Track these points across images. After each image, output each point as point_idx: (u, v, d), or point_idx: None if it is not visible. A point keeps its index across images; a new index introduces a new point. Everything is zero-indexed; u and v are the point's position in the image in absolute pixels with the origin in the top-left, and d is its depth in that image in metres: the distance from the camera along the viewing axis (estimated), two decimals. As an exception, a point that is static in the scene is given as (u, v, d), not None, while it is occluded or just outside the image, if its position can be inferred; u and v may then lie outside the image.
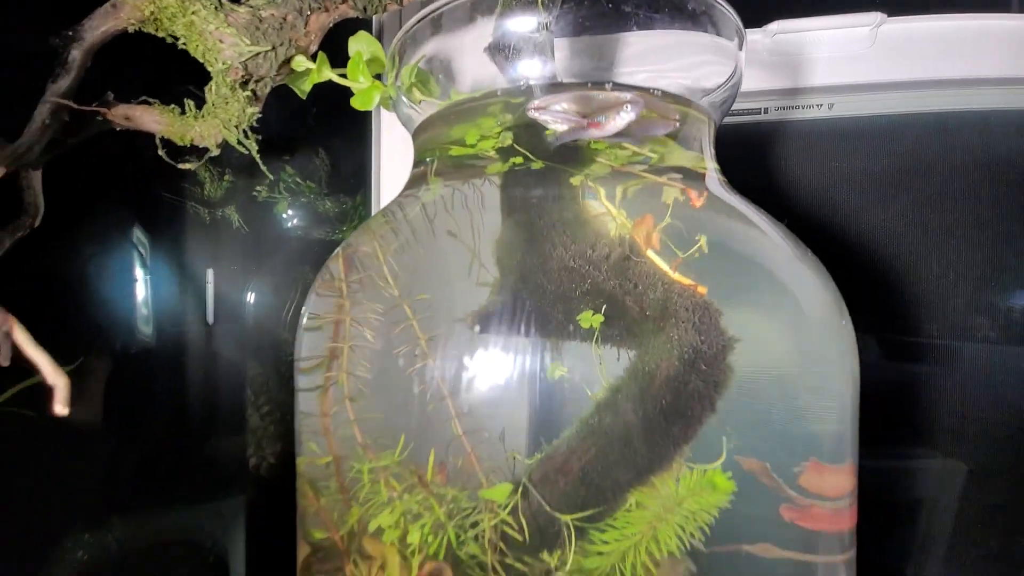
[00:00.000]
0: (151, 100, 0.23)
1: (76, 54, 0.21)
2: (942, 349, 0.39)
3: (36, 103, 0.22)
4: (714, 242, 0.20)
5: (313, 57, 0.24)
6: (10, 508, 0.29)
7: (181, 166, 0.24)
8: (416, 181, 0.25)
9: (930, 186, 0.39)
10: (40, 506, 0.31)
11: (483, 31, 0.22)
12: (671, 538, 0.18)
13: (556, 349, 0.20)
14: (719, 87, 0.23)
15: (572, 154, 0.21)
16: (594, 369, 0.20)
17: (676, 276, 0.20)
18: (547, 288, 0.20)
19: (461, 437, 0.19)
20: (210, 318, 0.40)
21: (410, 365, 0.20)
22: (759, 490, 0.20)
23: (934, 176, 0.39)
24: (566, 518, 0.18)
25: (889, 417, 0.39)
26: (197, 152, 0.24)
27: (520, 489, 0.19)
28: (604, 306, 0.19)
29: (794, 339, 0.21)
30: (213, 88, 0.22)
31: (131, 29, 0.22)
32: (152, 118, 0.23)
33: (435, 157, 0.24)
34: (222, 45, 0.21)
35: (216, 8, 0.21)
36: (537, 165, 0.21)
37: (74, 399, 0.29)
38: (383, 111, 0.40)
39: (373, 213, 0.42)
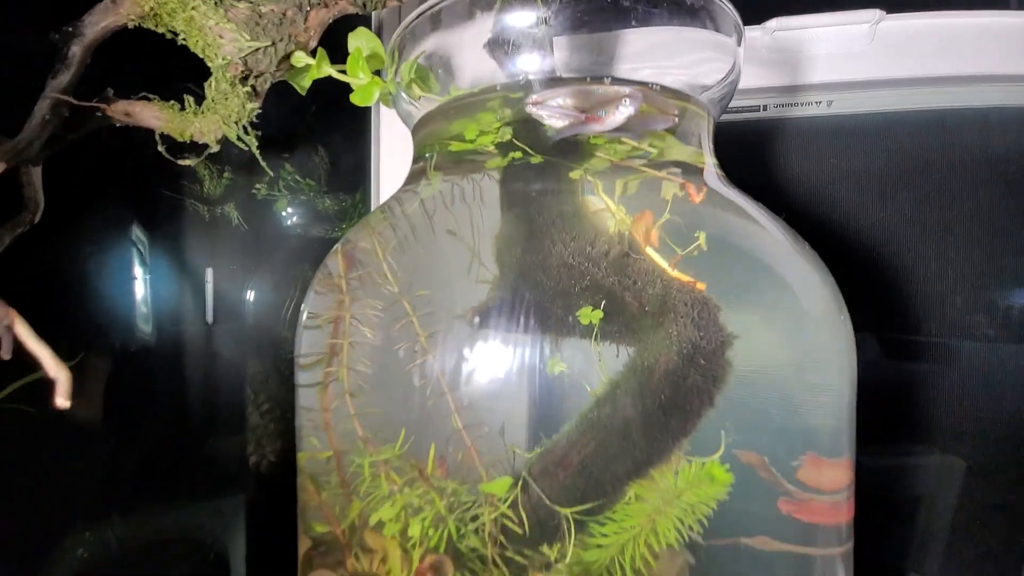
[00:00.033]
0: (151, 96, 0.24)
1: (76, 50, 0.21)
2: (940, 347, 0.39)
3: (35, 100, 0.22)
4: (713, 237, 0.20)
5: (313, 53, 0.24)
6: (11, 505, 0.30)
7: (181, 162, 0.24)
8: (415, 176, 0.25)
9: (929, 183, 0.39)
10: (41, 503, 0.31)
11: (482, 27, 0.22)
12: (670, 531, 0.18)
13: (555, 345, 0.20)
14: (718, 83, 0.23)
15: (571, 149, 0.21)
16: (593, 364, 0.20)
17: (675, 273, 0.20)
18: (546, 284, 0.20)
19: (461, 431, 0.19)
20: (209, 317, 0.40)
21: (410, 360, 0.20)
22: (757, 484, 0.20)
23: (933, 173, 0.39)
24: (566, 511, 0.19)
25: (888, 415, 0.39)
26: (196, 149, 0.24)
27: (520, 483, 0.19)
28: (603, 302, 0.19)
29: (793, 334, 0.21)
30: (213, 84, 0.22)
31: (131, 25, 0.22)
32: (152, 114, 0.23)
33: (434, 152, 0.24)
34: (222, 41, 0.21)
35: (216, 4, 0.21)
36: (536, 159, 0.21)
37: (74, 395, 0.29)
38: (382, 109, 0.40)
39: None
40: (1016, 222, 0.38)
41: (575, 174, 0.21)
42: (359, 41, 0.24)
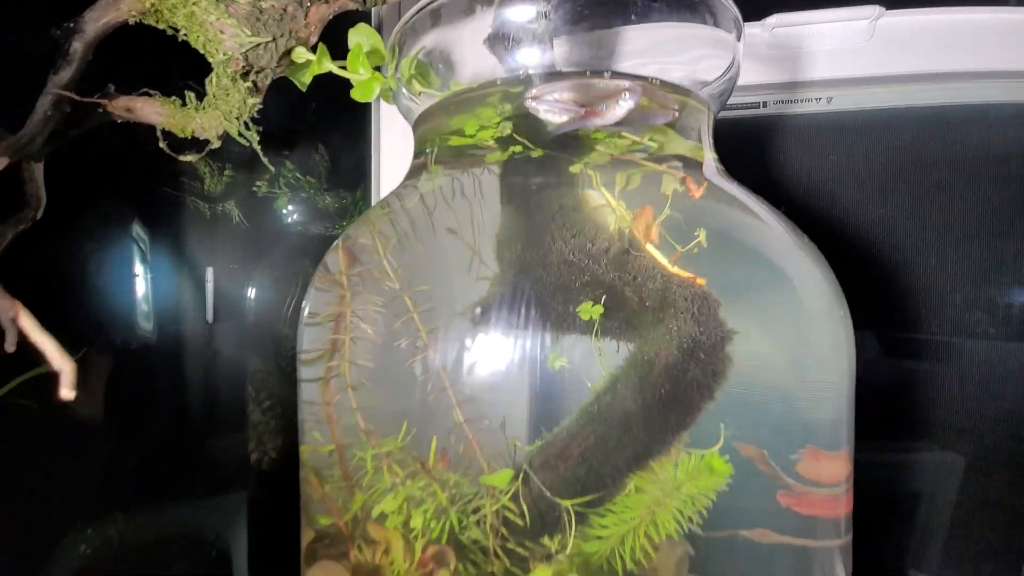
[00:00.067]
0: (152, 92, 0.24)
1: (77, 46, 0.21)
2: (940, 344, 0.39)
3: (36, 97, 0.22)
4: (713, 231, 0.20)
5: (313, 49, 0.24)
6: (13, 501, 0.30)
7: (182, 158, 0.25)
8: (415, 171, 0.25)
9: (929, 180, 0.39)
10: (43, 499, 0.31)
11: (482, 22, 0.23)
12: (669, 522, 0.18)
13: (556, 340, 0.20)
14: (717, 79, 0.24)
15: (571, 143, 0.21)
16: (594, 359, 0.20)
17: (675, 269, 0.20)
18: (547, 280, 0.20)
19: (463, 424, 0.19)
20: (210, 317, 0.40)
21: (411, 355, 0.20)
22: (757, 477, 0.20)
23: (933, 170, 0.39)
24: (566, 503, 0.19)
25: (887, 412, 0.39)
26: (197, 145, 0.24)
27: (521, 475, 0.19)
28: (604, 297, 0.19)
29: (793, 327, 0.21)
30: (214, 79, 0.22)
31: (132, 21, 0.22)
32: (153, 110, 0.23)
33: (435, 147, 0.24)
34: (223, 36, 0.21)
35: None
36: (536, 153, 0.21)
37: (78, 389, 0.29)
38: (383, 106, 0.40)
39: (373, 207, 0.42)
40: (1016, 219, 0.38)
41: (575, 168, 0.21)
42: (359, 37, 0.24)
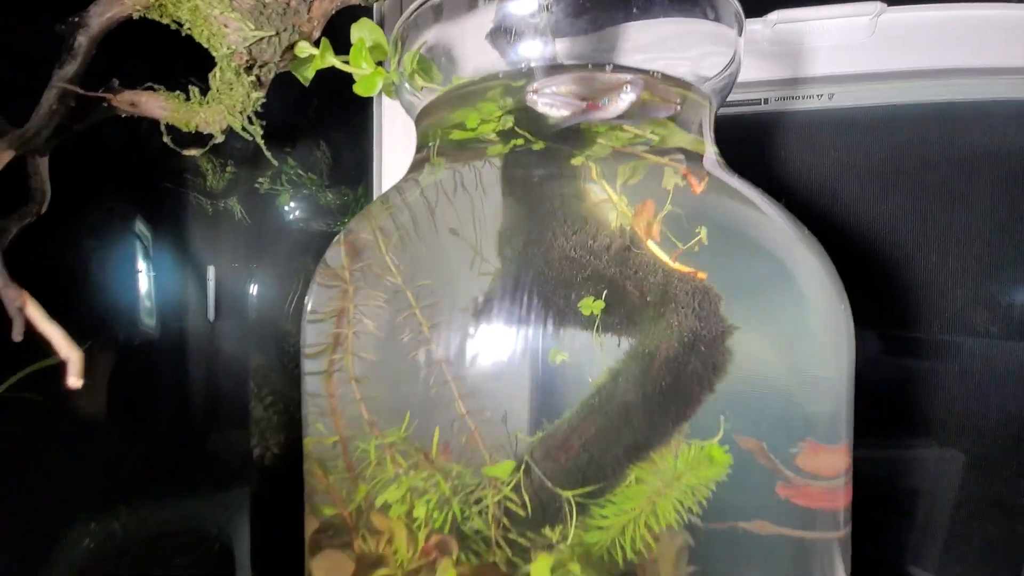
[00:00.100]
0: (156, 87, 0.24)
1: (82, 40, 0.22)
2: (941, 342, 0.39)
3: (40, 93, 0.22)
4: (713, 223, 0.20)
5: (316, 43, 0.24)
6: (17, 495, 0.30)
7: (186, 152, 0.25)
8: (417, 165, 0.25)
9: (931, 177, 0.39)
10: (47, 493, 0.32)
11: (484, 17, 0.23)
12: (670, 512, 0.18)
13: (557, 335, 0.20)
14: (718, 73, 0.24)
15: (573, 135, 0.21)
16: (595, 354, 0.20)
17: (676, 265, 0.20)
18: (548, 274, 0.20)
19: (465, 416, 0.19)
20: (211, 315, 0.40)
21: (414, 348, 0.20)
22: (756, 470, 0.20)
23: (935, 167, 0.39)
24: (567, 494, 0.19)
25: (887, 410, 0.39)
26: (200, 141, 0.24)
27: (523, 466, 0.19)
28: (605, 291, 0.19)
29: (793, 320, 0.21)
30: (218, 74, 0.22)
31: (135, 15, 0.22)
32: (157, 104, 0.23)
33: (436, 141, 0.24)
34: (227, 30, 0.21)
35: (220, -6, 0.21)
36: (538, 146, 0.21)
37: (85, 379, 0.29)
38: (384, 103, 0.40)
39: (375, 204, 0.42)
40: (1018, 216, 0.38)
41: (577, 160, 0.21)
42: (362, 32, 0.24)
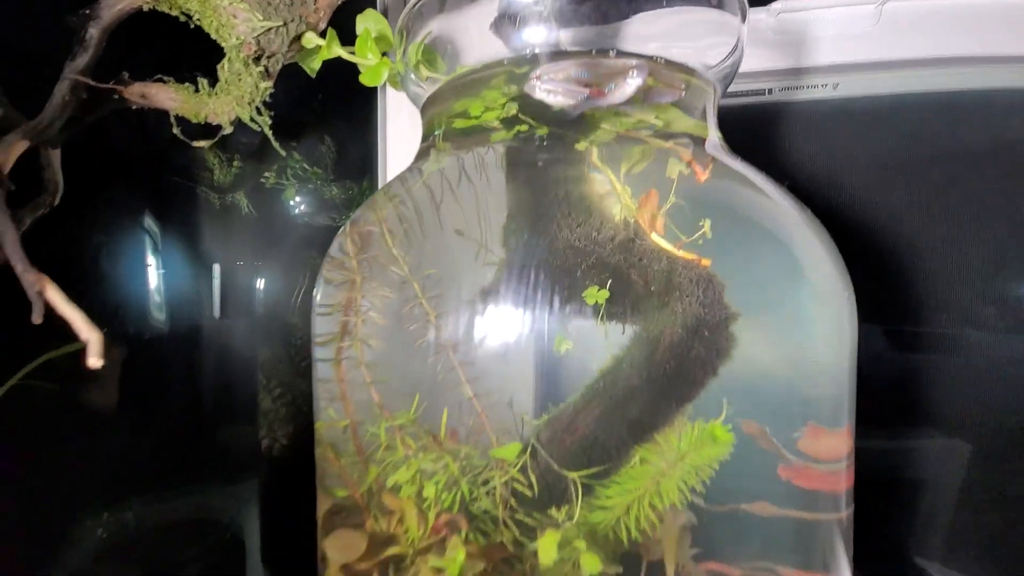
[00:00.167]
0: (166, 79, 0.24)
1: (94, 32, 0.22)
2: (948, 335, 0.39)
3: (50, 87, 0.23)
4: (718, 205, 0.20)
5: (323, 34, 0.24)
6: (31, 483, 0.30)
7: (195, 144, 0.25)
8: (422, 154, 0.25)
9: (937, 166, 0.39)
10: (60, 483, 0.32)
11: (488, 7, 0.23)
12: (673, 491, 0.19)
13: (562, 322, 0.20)
14: (722, 60, 0.24)
15: (577, 121, 0.22)
16: (599, 342, 0.20)
17: (681, 253, 0.20)
18: (553, 263, 0.21)
19: (472, 399, 0.19)
20: (217, 312, 0.41)
21: (421, 335, 0.21)
22: (758, 453, 0.20)
23: (941, 157, 0.39)
24: (573, 475, 0.19)
25: (893, 402, 0.39)
26: (208, 135, 0.25)
27: (529, 448, 0.20)
28: (609, 281, 0.20)
29: (797, 303, 0.21)
30: (226, 65, 0.22)
31: (146, 7, 0.23)
32: (168, 95, 0.23)
33: (441, 130, 0.24)
34: (235, 20, 0.21)
35: (228, -15, 0.22)
36: (542, 131, 0.21)
37: (94, 376, 0.29)
38: (389, 97, 0.40)
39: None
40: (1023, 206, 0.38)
41: (581, 145, 0.21)
42: (367, 22, 0.24)
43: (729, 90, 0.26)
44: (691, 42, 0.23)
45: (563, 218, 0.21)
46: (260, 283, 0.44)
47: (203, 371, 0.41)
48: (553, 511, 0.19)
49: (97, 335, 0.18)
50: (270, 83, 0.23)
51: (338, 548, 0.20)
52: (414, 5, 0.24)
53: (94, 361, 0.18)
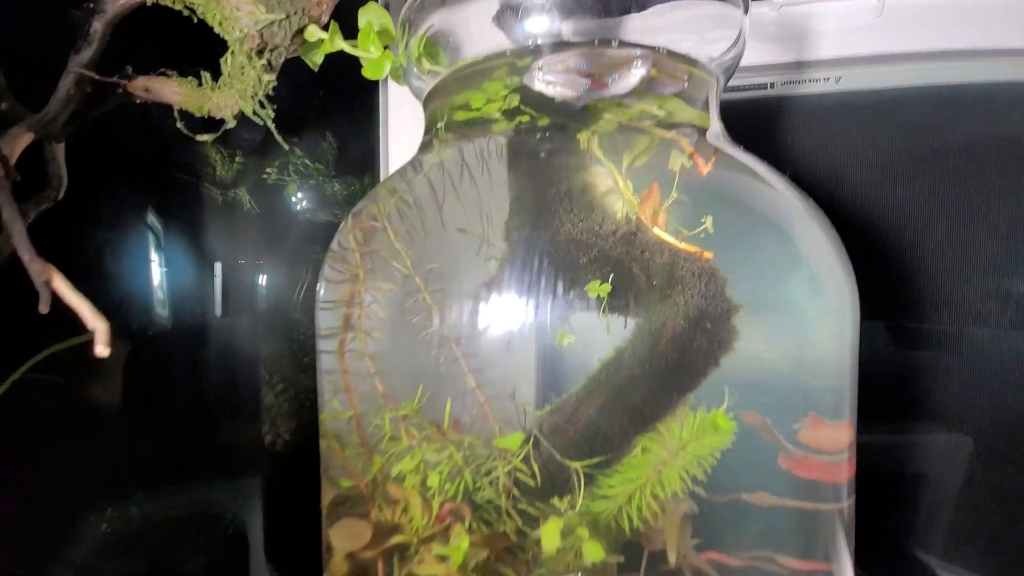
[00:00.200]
0: (169, 72, 0.24)
1: (98, 26, 0.22)
2: (950, 331, 0.38)
3: (55, 81, 0.23)
4: (720, 195, 0.20)
5: (325, 27, 0.24)
6: (36, 478, 0.31)
7: (199, 138, 0.25)
8: (425, 147, 0.25)
9: (940, 160, 0.39)
10: (66, 478, 0.32)
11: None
12: (675, 480, 0.19)
13: (564, 315, 0.20)
14: (725, 52, 0.24)
15: (579, 111, 0.22)
16: (601, 336, 0.20)
17: (682, 245, 0.20)
18: (555, 254, 0.21)
19: (475, 389, 0.19)
20: (218, 310, 0.41)
21: (424, 327, 0.21)
22: (759, 443, 0.20)
23: (944, 150, 0.39)
24: (575, 465, 0.19)
25: (895, 398, 0.39)
26: (212, 126, 0.25)
27: (531, 439, 0.20)
28: (611, 274, 0.20)
29: (798, 294, 0.21)
30: (229, 58, 0.22)
31: (149, 1, 0.23)
32: (171, 89, 0.23)
33: (443, 122, 0.24)
34: (239, 14, 0.21)
35: (231, -22, 0.22)
36: (543, 122, 0.21)
37: (97, 371, 0.29)
38: (390, 93, 0.40)
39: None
40: (1026, 200, 0.38)
41: (583, 135, 0.21)
42: (370, 15, 0.24)
43: (731, 84, 0.26)
44: (694, 34, 0.23)
45: (565, 212, 0.21)
46: (262, 279, 0.44)
47: (206, 367, 0.41)
48: (556, 500, 0.19)
49: (104, 324, 0.18)
50: (273, 76, 0.23)
51: (343, 537, 0.21)
52: (416, -2, 0.24)
53: (101, 349, 0.18)
